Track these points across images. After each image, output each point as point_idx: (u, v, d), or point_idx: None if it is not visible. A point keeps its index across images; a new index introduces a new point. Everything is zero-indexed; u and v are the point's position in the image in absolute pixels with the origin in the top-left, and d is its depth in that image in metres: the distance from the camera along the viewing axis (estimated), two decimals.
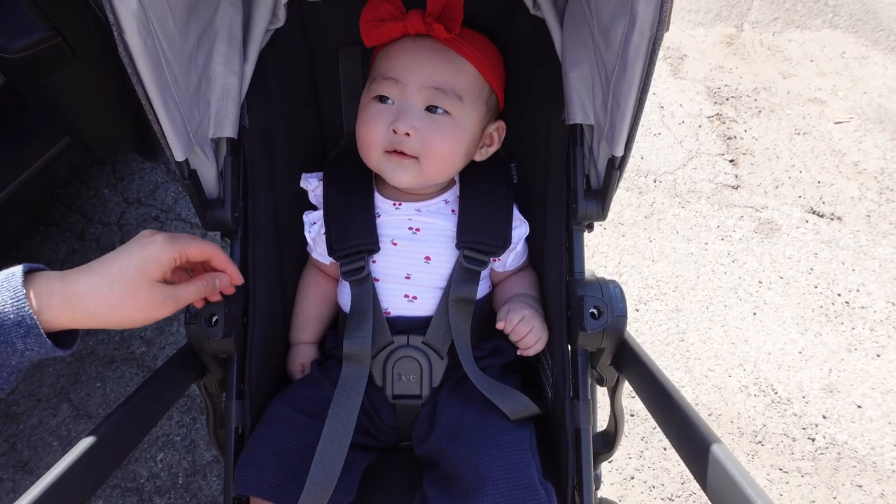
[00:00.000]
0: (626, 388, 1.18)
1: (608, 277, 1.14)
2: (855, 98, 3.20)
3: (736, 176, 2.84)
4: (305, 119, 1.36)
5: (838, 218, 2.70)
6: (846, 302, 2.43)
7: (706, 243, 2.58)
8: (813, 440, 2.10)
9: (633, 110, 0.95)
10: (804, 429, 2.13)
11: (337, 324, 1.32)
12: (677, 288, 2.44)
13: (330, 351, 1.29)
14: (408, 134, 1.16)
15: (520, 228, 1.27)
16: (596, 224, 1.18)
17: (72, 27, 1.50)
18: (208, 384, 1.19)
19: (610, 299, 1.07)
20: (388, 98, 1.19)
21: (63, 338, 0.86)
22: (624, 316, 1.08)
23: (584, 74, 1.10)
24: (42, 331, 0.80)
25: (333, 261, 1.26)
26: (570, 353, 1.13)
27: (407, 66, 1.19)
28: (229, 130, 1.12)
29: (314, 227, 1.27)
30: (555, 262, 1.18)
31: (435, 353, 1.19)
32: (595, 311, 1.06)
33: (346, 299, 1.24)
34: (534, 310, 1.21)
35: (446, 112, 1.19)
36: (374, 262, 1.23)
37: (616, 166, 1.03)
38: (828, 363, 2.27)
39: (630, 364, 1.11)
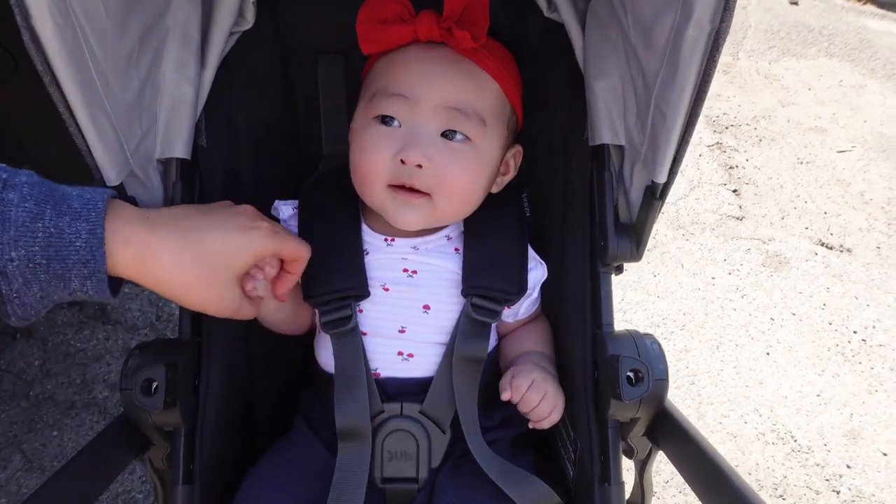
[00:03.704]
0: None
1: (641, 330, 0.92)
2: (856, 127, 3.04)
3: (740, 207, 2.64)
4: (278, 138, 1.11)
5: (848, 250, 2.52)
6: (863, 340, 2.23)
7: (713, 278, 2.37)
8: (838, 493, 1.88)
9: (682, 125, 0.74)
10: (828, 480, 1.91)
11: (314, 383, 1.06)
12: (685, 326, 2.22)
13: (308, 414, 1.04)
14: (420, 165, 0.91)
15: (536, 270, 1.02)
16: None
17: (15, 36, 1.27)
18: (154, 459, 0.94)
19: (649, 359, 0.84)
20: (393, 119, 0.95)
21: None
22: (665, 380, 0.86)
23: (613, 85, 0.88)
24: (106, 278, 0.67)
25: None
26: (598, 425, 0.89)
27: (419, 80, 0.94)
28: (180, 150, 0.89)
29: None
30: (577, 312, 0.95)
31: (435, 425, 0.94)
32: (632, 376, 0.83)
33: (327, 357, 0.98)
34: (544, 371, 0.97)
35: (466, 138, 0.95)
36: (360, 311, 0.98)
37: (657, 196, 0.81)
38: (848, 407, 2.06)
39: (671, 437, 0.88)
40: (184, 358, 0.87)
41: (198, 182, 0.93)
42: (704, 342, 2.18)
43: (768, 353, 2.18)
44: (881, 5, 3.82)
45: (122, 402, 0.86)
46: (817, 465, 1.93)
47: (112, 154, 0.77)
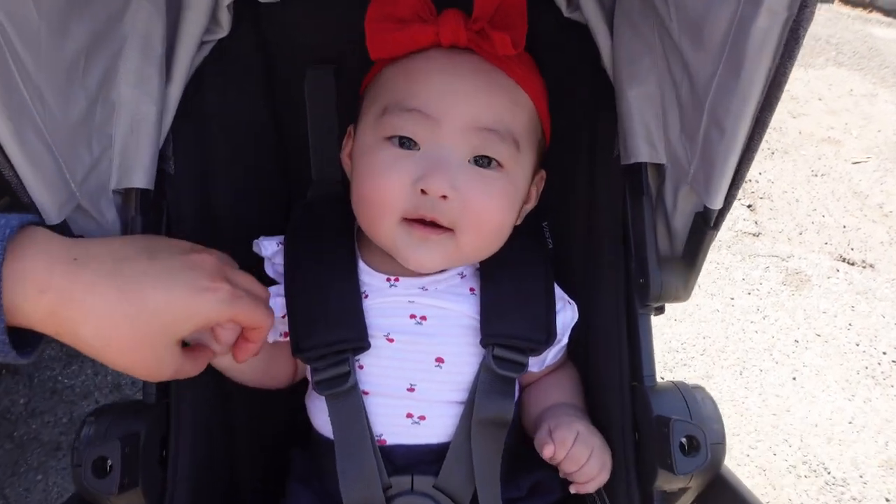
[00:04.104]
0: None
1: (688, 381, 0.76)
2: (869, 137, 2.90)
3: (756, 222, 2.49)
4: (260, 163, 0.96)
5: (870, 265, 2.36)
6: (893, 361, 2.08)
7: (732, 298, 2.21)
8: None
9: (744, 138, 0.59)
10: None
11: (305, 441, 0.89)
12: (705, 351, 2.06)
13: (302, 478, 0.87)
14: (445, 196, 0.75)
15: (565, 312, 0.85)
16: None
17: None
18: None
19: (703, 421, 0.68)
20: (412, 141, 0.78)
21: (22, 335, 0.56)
22: (722, 443, 0.70)
23: (650, 92, 0.73)
24: (6, 337, 0.52)
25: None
26: (642, 497, 0.73)
27: (444, 95, 0.78)
28: (141, 178, 0.74)
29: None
30: (609, 361, 0.79)
31: (453, 502, 0.76)
32: (685, 442, 0.67)
33: (322, 418, 0.82)
34: (588, 424, 0.80)
35: (499, 164, 0.79)
36: (360, 366, 0.81)
37: (711, 224, 0.65)
38: (882, 434, 1.90)
39: None
40: (147, 426, 0.71)
41: (165, 215, 0.78)
42: (726, 368, 2.02)
43: (794, 378, 2.02)
44: (887, 13, 3.69)
45: (73, 480, 0.70)
46: (854, 499, 1.77)
47: (51, 186, 0.62)
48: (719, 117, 0.60)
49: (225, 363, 0.77)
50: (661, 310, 0.78)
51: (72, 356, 2.09)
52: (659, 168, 0.75)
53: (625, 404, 0.76)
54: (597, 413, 0.84)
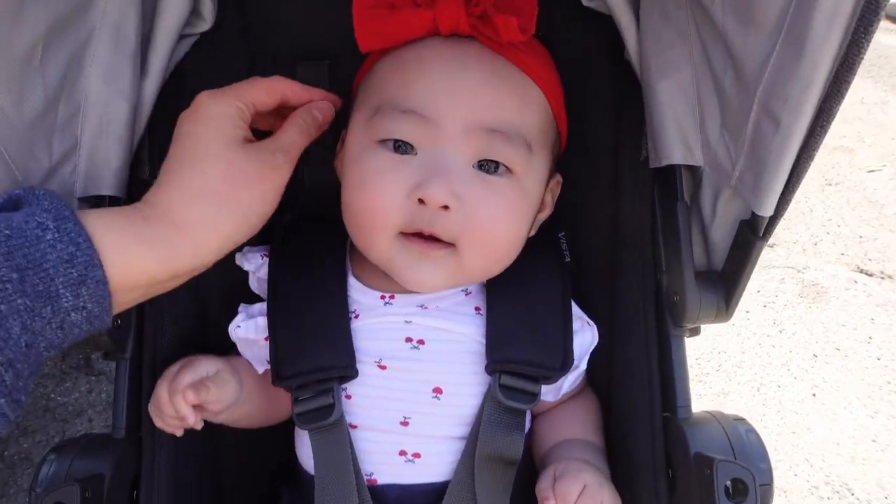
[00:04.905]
0: None
1: (727, 412, 0.66)
2: (883, 144, 2.82)
3: None
4: None
5: (889, 276, 2.27)
6: None
7: (747, 311, 2.12)
8: None
9: (804, 132, 0.49)
10: None
11: (294, 479, 0.80)
12: (721, 366, 1.97)
13: None
14: (447, 207, 0.65)
15: (583, 334, 0.75)
16: None
17: None
18: None
19: (749, 459, 0.58)
20: (408, 145, 0.68)
21: None
22: (770, 484, 0.60)
23: (683, 84, 0.64)
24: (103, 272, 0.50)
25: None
26: None
27: (444, 92, 0.67)
28: (111, 185, 0.65)
29: (249, 323, 0.74)
30: (637, 389, 0.70)
31: None
32: (729, 485, 0.57)
33: (306, 454, 0.72)
34: (597, 472, 0.70)
35: (508, 170, 0.69)
36: (348, 396, 0.71)
37: (760, 234, 0.56)
38: None
39: None
40: (112, 465, 0.62)
41: None
42: (743, 384, 1.93)
43: (814, 395, 1.92)
44: (895, 20, 3.61)
45: None
46: None
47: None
48: (774, 108, 0.50)
49: (224, 417, 0.68)
50: (696, 331, 0.68)
51: (65, 373, 2.01)
52: (694, 171, 0.66)
53: (655, 439, 0.66)
54: (621, 450, 0.74)
